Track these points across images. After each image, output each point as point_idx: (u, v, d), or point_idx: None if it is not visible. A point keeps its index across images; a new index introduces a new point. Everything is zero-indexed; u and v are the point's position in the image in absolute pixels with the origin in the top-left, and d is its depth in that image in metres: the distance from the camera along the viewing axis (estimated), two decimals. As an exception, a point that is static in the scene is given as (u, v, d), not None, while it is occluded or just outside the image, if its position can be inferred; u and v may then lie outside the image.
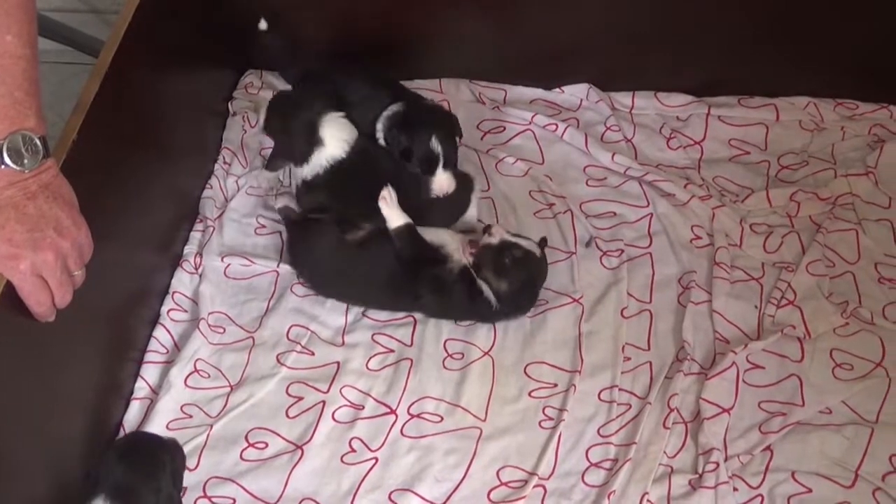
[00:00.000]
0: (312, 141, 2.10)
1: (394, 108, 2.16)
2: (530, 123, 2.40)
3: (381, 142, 2.16)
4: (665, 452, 1.83)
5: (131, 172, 1.93)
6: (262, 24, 2.33)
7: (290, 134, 2.11)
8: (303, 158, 2.12)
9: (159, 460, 1.64)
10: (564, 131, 2.37)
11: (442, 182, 2.06)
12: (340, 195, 2.11)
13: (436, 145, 2.05)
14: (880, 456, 1.82)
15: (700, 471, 1.80)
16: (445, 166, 2.06)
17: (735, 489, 1.78)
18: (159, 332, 2.02)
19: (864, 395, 1.90)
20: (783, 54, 2.36)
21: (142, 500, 1.59)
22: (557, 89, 2.48)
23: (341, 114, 2.14)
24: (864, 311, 2.02)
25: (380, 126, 2.16)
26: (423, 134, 2.05)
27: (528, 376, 1.96)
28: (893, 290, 2.06)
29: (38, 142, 1.42)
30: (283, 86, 2.49)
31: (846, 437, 1.84)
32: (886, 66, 2.34)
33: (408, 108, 2.15)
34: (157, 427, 1.87)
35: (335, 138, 2.11)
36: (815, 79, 2.40)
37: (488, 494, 1.79)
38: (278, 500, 1.79)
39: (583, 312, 2.05)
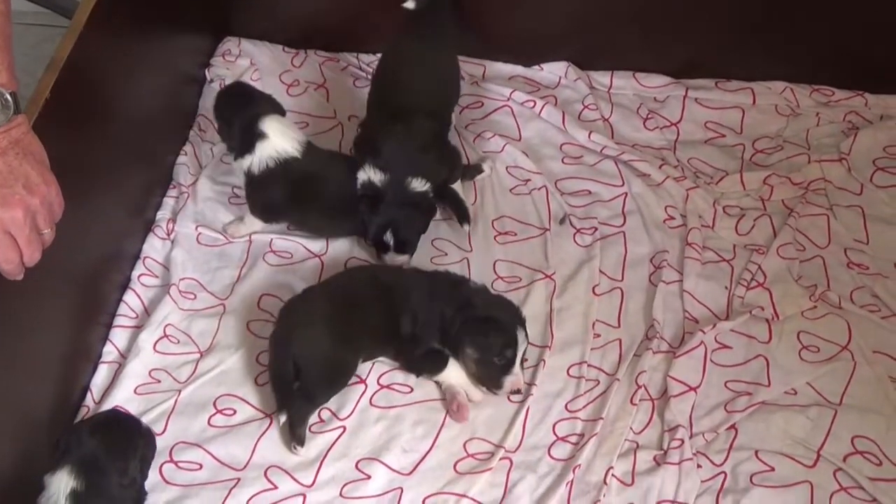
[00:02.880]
0: (252, 132, 2.05)
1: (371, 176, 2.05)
2: (508, 100, 2.40)
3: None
4: (631, 428, 1.85)
5: (104, 135, 1.91)
6: (410, 4, 2.26)
7: (231, 124, 2.08)
8: (243, 149, 2.06)
9: (132, 443, 1.63)
10: (542, 108, 2.37)
11: (396, 260, 2.06)
12: (297, 201, 2.08)
13: (389, 238, 2.04)
14: (842, 437, 1.84)
15: (665, 447, 1.82)
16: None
17: (699, 466, 1.79)
18: (129, 297, 2.01)
19: (828, 378, 1.92)
20: (762, 39, 2.38)
21: (106, 479, 1.58)
22: (536, 66, 2.48)
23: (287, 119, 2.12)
24: (833, 294, 2.04)
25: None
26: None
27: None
28: (862, 275, 2.08)
29: (8, 97, 1.41)
30: (261, 53, 2.47)
31: (810, 417, 1.87)
32: (863, 53, 2.36)
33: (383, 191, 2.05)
34: (125, 391, 1.86)
35: (281, 133, 2.06)
36: (793, 64, 2.42)
37: (455, 465, 1.80)
38: (245, 467, 1.79)
39: (555, 289, 2.05)
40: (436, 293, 1.89)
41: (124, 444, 1.61)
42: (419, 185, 2.04)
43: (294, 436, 1.79)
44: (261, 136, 2.04)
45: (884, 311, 2.02)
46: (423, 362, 1.89)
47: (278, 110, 2.11)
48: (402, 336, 1.88)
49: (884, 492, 1.76)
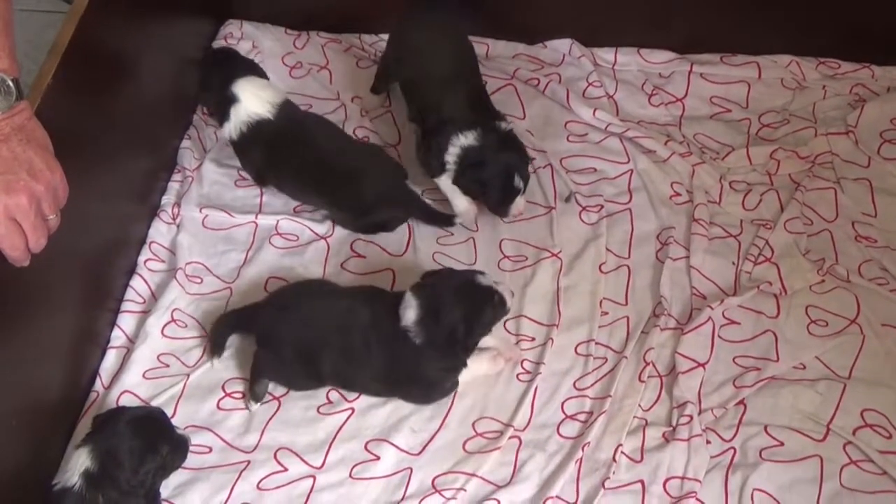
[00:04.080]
0: (226, 97, 2.06)
1: (464, 142, 2.02)
2: (512, 78, 2.38)
3: (451, 169, 2.05)
4: (640, 405, 1.85)
5: (108, 120, 1.91)
6: None
7: (209, 90, 2.10)
8: (221, 116, 2.08)
9: (155, 448, 1.63)
10: (546, 86, 2.36)
11: (520, 206, 2.06)
12: (274, 164, 2.09)
13: (518, 182, 2.02)
14: (852, 411, 1.84)
15: (674, 424, 1.82)
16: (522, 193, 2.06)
17: (708, 442, 1.80)
18: (136, 282, 2.01)
19: (837, 352, 1.92)
20: (766, 12, 2.36)
21: (119, 472, 1.59)
22: (540, 44, 2.46)
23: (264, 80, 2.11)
24: (841, 268, 2.03)
25: (450, 158, 2.04)
26: (504, 177, 2.02)
27: (507, 330, 1.96)
28: (870, 248, 2.07)
29: (10, 83, 1.40)
30: (263, 36, 2.46)
31: (819, 392, 1.86)
32: (868, 25, 2.34)
33: (482, 147, 2.02)
34: (133, 376, 1.87)
35: (253, 95, 2.06)
36: (798, 37, 2.40)
37: (463, 445, 1.81)
38: (254, 450, 1.80)
39: (561, 267, 2.05)
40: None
41: (147, 446, 1.62)
42: (504, 124, 2.06)
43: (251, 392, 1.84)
44: (233, 99, 2.05)
45: (892, 284, 2.01)
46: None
47: (256, 72, 2.11)
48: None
49: (894, 464, 1.76)
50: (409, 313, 1.76)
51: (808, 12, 2.33)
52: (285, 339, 1.81)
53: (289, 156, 2.07)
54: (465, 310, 1.77)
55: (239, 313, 1.92)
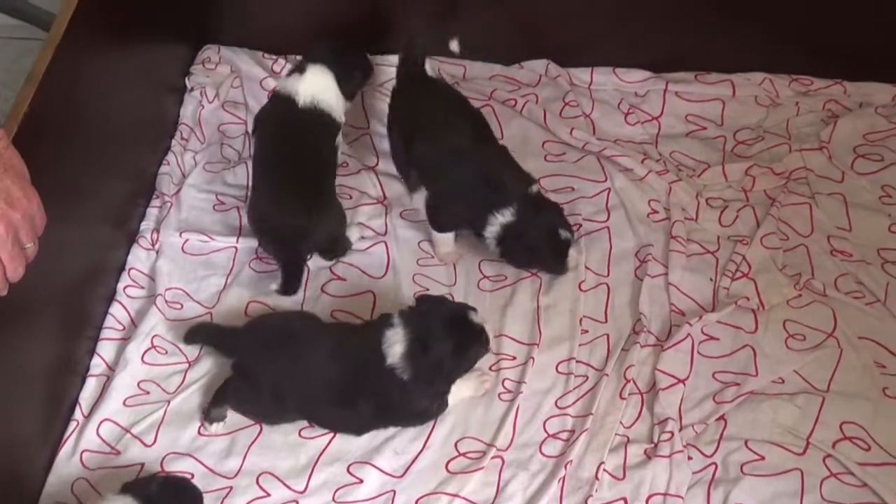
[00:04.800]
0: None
1: (502, 220, 1.98)
2: (490, 99, 2.40)
3: (490, 244, 2.02)
4: (621, 423, 1.86)
5: (85, 147, 1.90)
6: (454, 47, 2.24)
7: None
8: None
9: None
10: (523, 107, 2.38)
11: (574, 257, 2.05)
12: None
13: (565, 234, 2.01)
14: (831, 424, 1.85)
15: (655, 440, 1.83)
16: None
17: (690, 458, 1.80)
18: (115, 309, 2.01)
19: (815, 365, 1.94)
20: (739, 31, 2.38)
21: None
22: (516, 65, 2.48)
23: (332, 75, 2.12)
24: (817, 282, 2.05)
25: (489, 236, 2.00)
26: (550, 237, 2.00)
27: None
28: (845, 262, 2.09)
29: (-14, 112, 1.40)
30: (241, 61, 2.47)
31: (798, 405, 1.88)
32: (840, 42, 2.36)
33: (519, 221, 1.98)
34: (114, 403, 1.86)
35: (308, 82, 2.09)
36: (771, 55, 2.43)
37: (446, 465, 1.81)
38: (236, 475, 1.79)
39: (540, 286, 2.06)
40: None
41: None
42: (533, 187, 2.04)
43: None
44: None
45: (868, 298, 2.03)
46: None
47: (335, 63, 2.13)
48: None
49: (873, 476, 1.77)
50: (396, 348, 1.75)
51: (780, 30, 2.36)
52: (263, 379, 1.80)
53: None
54: (454, 345, 1.77)
55: (221, 331, 1.91)
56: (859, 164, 2.27)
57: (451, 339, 1.76)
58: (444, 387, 1.82)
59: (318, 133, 2.09)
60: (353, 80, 2.17)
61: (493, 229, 1.99)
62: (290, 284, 2.00)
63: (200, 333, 1.91)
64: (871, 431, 1.83)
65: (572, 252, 2.04)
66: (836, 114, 2.37)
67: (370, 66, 2.27)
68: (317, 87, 2.09)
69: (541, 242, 2.00)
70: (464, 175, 2.02)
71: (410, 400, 1.79)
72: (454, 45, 2.25)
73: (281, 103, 2.11)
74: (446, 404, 1.86)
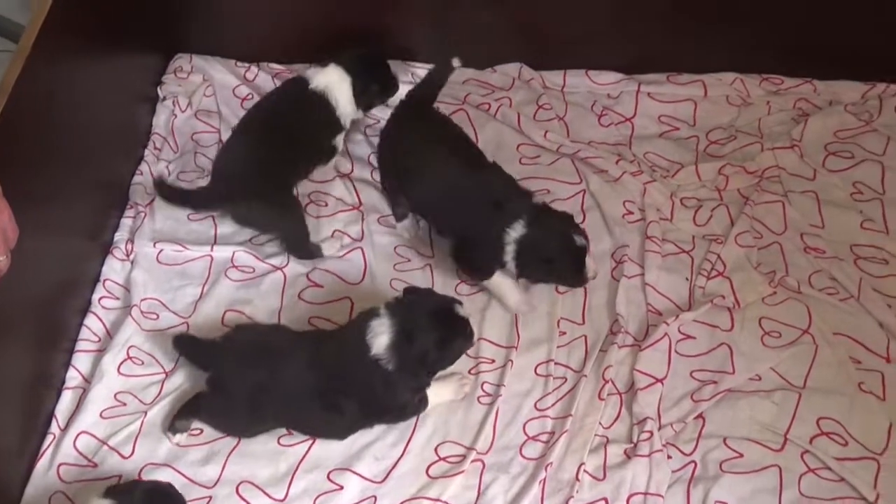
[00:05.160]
0: None
1: (515, 235, 1.95)
2: (463, 103, 2.40)
3: (510, 266, 1.98)
4: (600, 423, 1.86)
5: (57, 158, 1.89)
6: (457, 63, 2.22)
7: None
8: None
9: None
10: (497, 111, 2.38)
11: (591, 266, 1.99)
12: None
13: (581, 241, 1.96)
14: (808, 419, 1.86)
15: (635, 440, 1.83)
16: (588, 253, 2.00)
17: (669, 457, 1.81)
18: (90, 321, 1.99)
19: (791, 362, 1.95)
20: (710, 32, 2.40)
21: None
22: (489, 69, 2.49)
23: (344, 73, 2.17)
24: (791, 280, 2.06)
25: (508, 258, 1.96)
26: (566, 246, 1.95)
27: (466, 354, 1.96)
28: (818, 259, 2.11)
29: (-45, 125, 1.39)
30: (213, 69, 2.46)
31: (775, 402, 1.89)
32: (810, 41, 2.38)
33: (531, 233, 1.95)
34: (90, 416, 1.85)
35: (324, 74, 2.17)
36: (742, 55, 2.45)
37: (427, 470, 1.81)
38: (216, 485, 1.78)
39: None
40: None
41: None
42: (537, 199, 2.03)
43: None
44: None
45: (842, 294, 2.05)
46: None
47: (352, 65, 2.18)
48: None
49: (850, 471, 1.79)
50: (381, 339, 1.75)
51: (750, 30, 2.38)
52: (239, 393, 1.79)
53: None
54: (439, 336, 1.76)
55: (197, 344, 1.89)
56: (831, 162, 2.29)
57: (436, 330, 1.76)
58: (427, 379, 1.82)
59: (317, 119, 2.16)
60: (368, 91, 2.20)
61: (509, 249, 1.95)
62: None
63: (179, 345, 1.90)
64: (848, 426, 1.85)
65: (589, 261, 1.99)
66: (807, 112, 2.40)
67: (392, 84, 2.26)
68: (331, 80, 2.16)
69: (556, 252, 1.96)
70: (470, 209, 2.00)
71: (394, 392, 1.78)
72: (456, 62, 2.23)
73: (293, 83, 2.22)
74: (427, 401, 1.85)
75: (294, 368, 1.79)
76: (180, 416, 1.82)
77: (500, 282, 2.03)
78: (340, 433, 1.83)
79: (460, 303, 1.83)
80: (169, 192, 2.09)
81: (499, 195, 2.01)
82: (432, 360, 1.77)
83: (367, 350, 1.74)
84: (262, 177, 2.07)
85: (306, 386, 1.78)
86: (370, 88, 2.20)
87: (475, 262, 2.04)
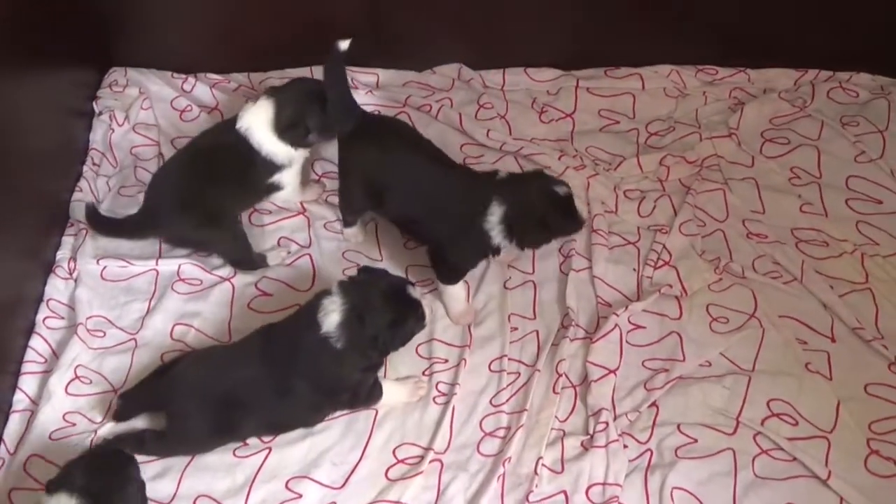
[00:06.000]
0: None
1: (497, 216, 1.90)
2: (404, 105, 2.41)
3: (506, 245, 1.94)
4: (556, 417, 1.87)
5: (-8, 178, 1.86)
6: (344, 44, 2.03)
7: None
8: None
9: (128, 472, 1.64)
10: (439, 111, 2.39)
11: (581, 207, 1.96)
12: None
13: (563, 189, 1.92)
14: (758, 402, 1.89)
15: (591, 431, 1.85)
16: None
17: (625, 446, 1.83)
18: (35, 342, 1.95)
19: (740, 346, 1.98)
20: (643, 25, 2.43)
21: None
22: (429, 70, 2.50)
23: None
24: (736, 265, 2.10)
25: (497, 239, 1.92)
26: (552, 200, 1.90)
27: (420, 355, 1.97)
28: (761, 244, 2.15)
29: None
30: (150, 82, 2.43)
31: (726, 387, 1.92)
32: (742, 31, 2.44)
33: (513, 203, 1.90)
34: (39, 438, 1.81)
35: (249, 112, 2.07)
36: (676, 47, 2.49)
37: (386, 473, 1.80)
38: (172, 500, 1.76)
39: (468, 288, 2.07)
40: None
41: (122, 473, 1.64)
42: (501, 172, 1.97)
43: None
44: None
45: (785, 277, 2.09)
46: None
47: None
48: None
49: (802, 450, 1.82)
50: (332, 317, 1.73)
51: (682, 22, 2.42)
52: (198, 412, 1.77)
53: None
54: (391, 317, 1.75)
55: (144, 391, 1.84)
56: (767, 149, 2.34)
57: (388, 311, 1.75)
58: (377, 360, 1.81)
59: (244, 160, 2.04)
60: (294, 130, 2.04)
61: (496, 231, 1.91)
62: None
63: (129, 406, 1.83)
64: (797, 406, 1.89)
65: (578, 203, 1.96)
66: (742, 101, 2.44)
67: (328, 121, 2.05)
68: (253, 121, 2.04)
69: (545, 209, 1.91)
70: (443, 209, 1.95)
71: (342, 371, 1.77)
72: (343, 44, 2.05)
73: (226, 124, 2.10)
74: (381, 389, 1.85)
75: (247, 371, 1.77)
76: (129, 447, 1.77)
77: (456, 291, 2.01)
78: (305, 418, 1.82)
79: (413, 284, 1.82)
80: (100, 223, 2.07)
81: (470, 188, 1.96)
82: (384, 341, 1.76)
83: (317, 328, 1.73)
84: (189, 208, 2.03)
85: (263, 383, 1.76)
86: (296, 128, 2.04)
87: (451, 264, 2.00)
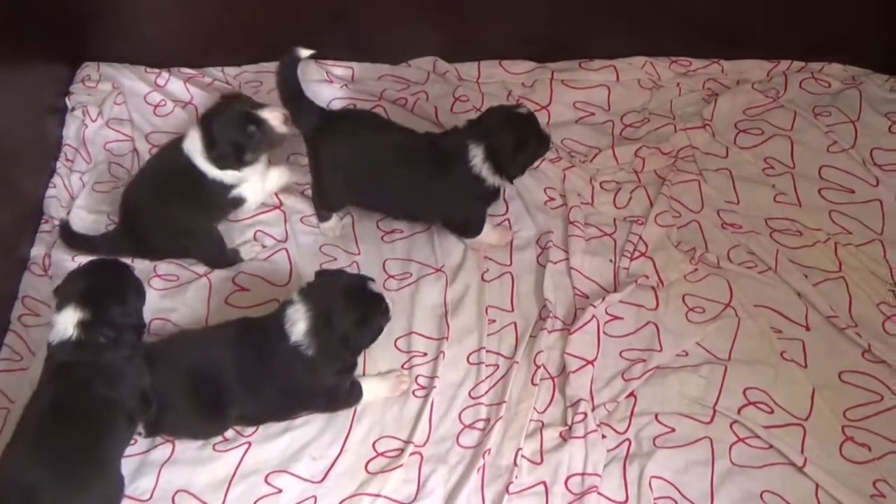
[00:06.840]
0: None
1: (479, 158, 2.00)
2: (380, 99, 2.40)
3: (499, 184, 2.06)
4: (535, 408, 1.88)
5: (-36, 175, 1.84)
6: (303, 52, 2.06)
7: None
8: None
9: (126, 278, 1.75)
10: (414, 105, 2.39)
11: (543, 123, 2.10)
12: None
13: (523, 109, 2.08)
14: (735, 391, 1.91)
15: (569, 422, 1.86)
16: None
17: (604, 436, 1.84)
18: (11, 340, 1.94)
19: (716, 336, 2.00)
20: (617, 17, 2.44)
21: (110, 310, 1.69)
22: (404, 63, 2.49)
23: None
24: (711, 255, 2.11)
25: (490, 180, 2.03)
26: (523, 124, 2.05)
27: (399, 349, 1.97)
28: (736, 234, 2.17)
29: None
30: (123, 77, 2.42)
31: (702, 376, 1.94)
32: (715, 22, 2.45)
33: (488, 142, 2.00)
34: (16, 436, 1.79)
35: (190, 136, 2.02)
36: (650, 39, 2.50)
37: (366, 466, 1.80)
38: (151, 495, 1.75)
39: (447, 281, 2.07)
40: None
41: (120, 279, 1.75)
42: (461, 124, 2.09)
43: None
44: None
45: (760, 266, 2.11)
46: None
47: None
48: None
49: (778, 438, 1.84)
50: (299, 326, 1.73)
51: (656, 14, 2.43)
52: (181, 394, 1.77)
53: None
54: (356, 317, 1.75)
55: None
56: (741, 139, 2.36)
57: (353, 311, 1.75)
58: (350, 360, 1.81)
59: (199, 182, 2.00)
60: (225, 159, 1.98)
61: (485, 171, 2.01)
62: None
63: None
64: (773, 394, 1.90)
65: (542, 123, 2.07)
66: (716, 92, 2.46)
67: (260, 141, 1.99)
68: (190, 148, 1.99)
69: (517, 134, 2.01)
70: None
71: (317, 377, 1.77)
72: (303, 52, 2.07)
73: (174, 144, 2.05)
74: (360, 390, 1.85)
75: (222, 354, 1.78)
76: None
77: (484, 236, 2.13)
78: (279, 417, 1.84)
79: (372, 279, 1.82)
80: (75, 241, 2.06)
81: (445, 145, 2.05)
82: (354, 341, 1.76)
83: (287, 338, 1.73)
84: (165, 229, 2.03)
85: (235, 374, 1.77)
86: (226, 156, 1.98)
87: (464, 223, 2.12)
